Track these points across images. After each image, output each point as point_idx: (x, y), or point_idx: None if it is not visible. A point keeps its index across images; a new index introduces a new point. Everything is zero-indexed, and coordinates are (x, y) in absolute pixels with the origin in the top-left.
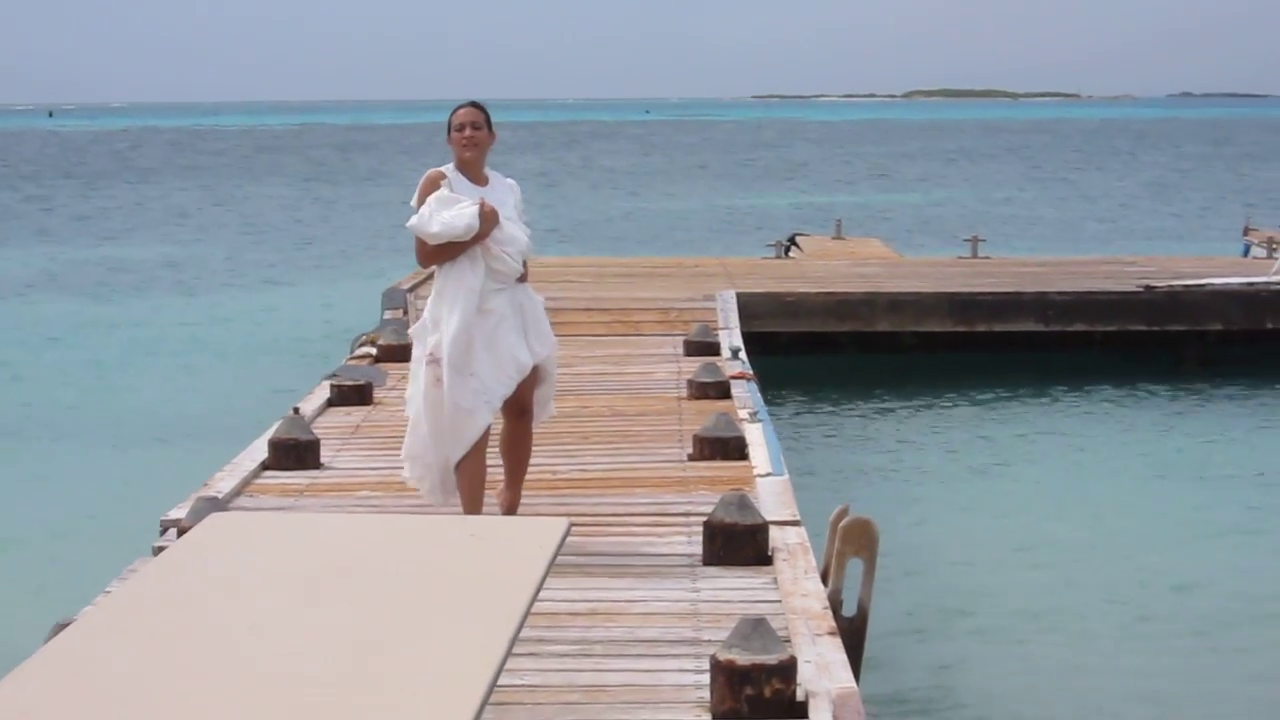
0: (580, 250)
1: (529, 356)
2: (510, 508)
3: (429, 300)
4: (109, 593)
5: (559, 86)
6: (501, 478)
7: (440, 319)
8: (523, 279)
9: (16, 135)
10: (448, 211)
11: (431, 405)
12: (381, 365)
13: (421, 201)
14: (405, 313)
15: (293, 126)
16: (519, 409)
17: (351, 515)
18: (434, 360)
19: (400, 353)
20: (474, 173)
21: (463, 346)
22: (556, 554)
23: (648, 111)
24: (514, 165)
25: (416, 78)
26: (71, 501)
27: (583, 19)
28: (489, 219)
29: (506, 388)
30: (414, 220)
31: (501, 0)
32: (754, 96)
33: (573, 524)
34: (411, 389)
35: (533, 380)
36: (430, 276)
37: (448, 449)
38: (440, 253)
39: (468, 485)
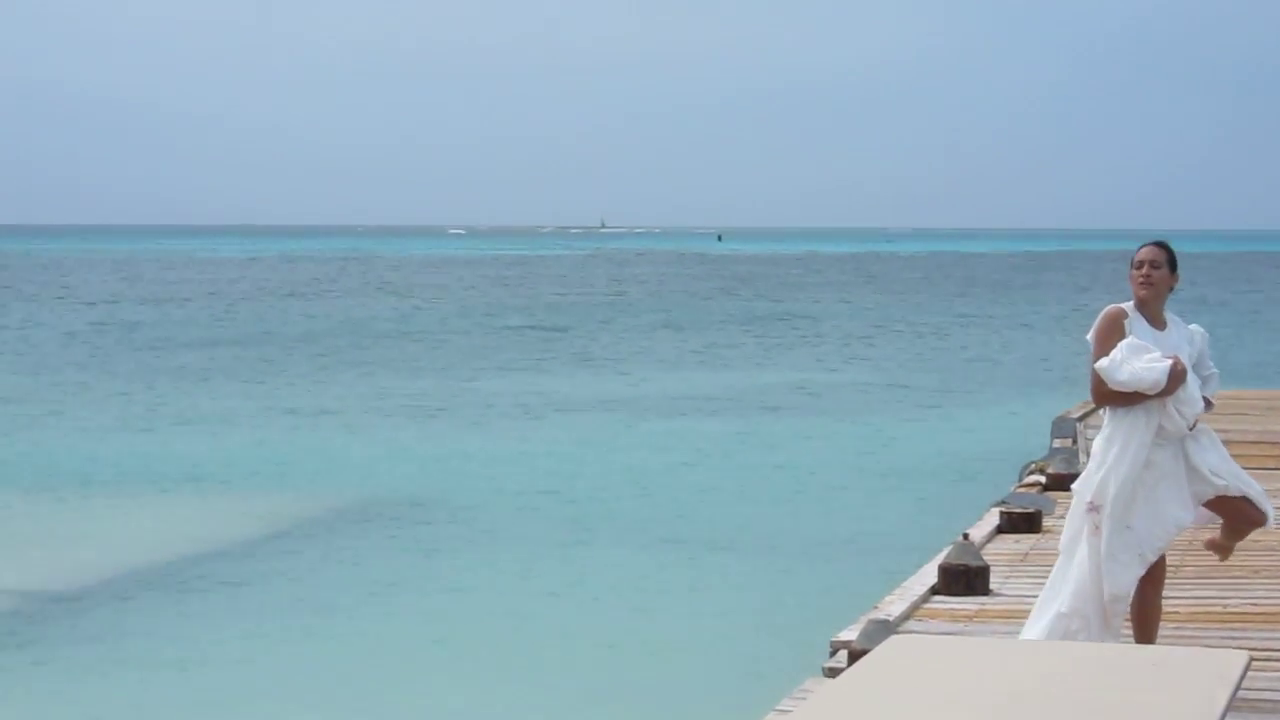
0: (1251, 383)
1: (1189, 515)
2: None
3: (1096, 441)
4: (782, 710)
5: (1227, 216)
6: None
7: (1105, 464)
8: (1191, 428)
9: (695, 258)
10: (1139, 362)
11: (1090, 552)
12: (1050, 494)
13: (1100, 339)
14: (1074, 442)
15: (954, 251)
16: (1246, 520)
17: (1029, 642)
18: (1093, 508)
19: (1070, 482)
20: (1152, 313)
21: (1125, 499)
22: (1238, 688)
23: None
24: (1182, 295)
25: (1074, 208)
26: (740, 615)
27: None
28: (1176, 380)
29: (1163, 542)
30: (1104, 363)
31: (1163, 128)
32: None
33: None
34: (1066, 535)
35: (1237, 504)
36: (1096, 409)
37: (1101, 598)
38: (1119, 397)
39: (1139, 619)
